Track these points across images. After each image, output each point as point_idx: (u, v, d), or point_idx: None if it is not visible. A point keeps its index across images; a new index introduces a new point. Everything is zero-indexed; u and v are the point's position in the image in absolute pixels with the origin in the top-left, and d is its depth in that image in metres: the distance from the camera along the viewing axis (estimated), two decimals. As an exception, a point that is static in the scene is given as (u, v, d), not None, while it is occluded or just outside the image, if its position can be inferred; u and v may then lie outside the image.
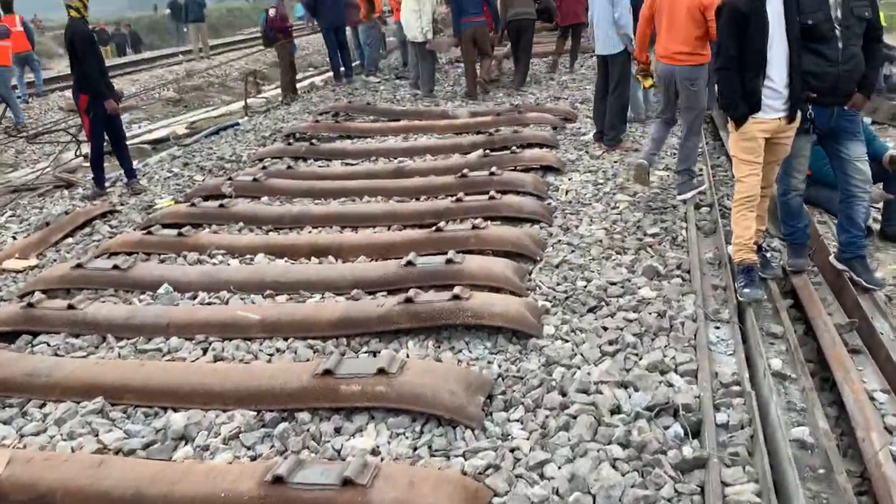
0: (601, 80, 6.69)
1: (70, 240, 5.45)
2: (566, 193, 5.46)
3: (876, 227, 4.75)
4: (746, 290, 3.57)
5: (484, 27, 9.29)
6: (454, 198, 5.06)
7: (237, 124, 9.25)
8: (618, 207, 5.11)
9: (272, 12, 11.98)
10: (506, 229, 4.55)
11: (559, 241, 4.55)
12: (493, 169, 5.57)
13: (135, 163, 7.55)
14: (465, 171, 5.63)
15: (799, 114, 3.66)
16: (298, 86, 13.92)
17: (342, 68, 11.41)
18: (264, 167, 6.42)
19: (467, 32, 9.16)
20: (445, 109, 8.42)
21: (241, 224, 5.23)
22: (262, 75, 17.33)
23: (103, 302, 4.11)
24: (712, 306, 3.62)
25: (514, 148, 6.20)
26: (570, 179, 5.79)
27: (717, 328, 3.44)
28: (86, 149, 6.68)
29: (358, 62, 12.85)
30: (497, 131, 7.20)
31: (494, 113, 7.74)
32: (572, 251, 4.37)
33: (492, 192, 5.05)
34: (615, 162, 6.21)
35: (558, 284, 3.93)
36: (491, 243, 4.32)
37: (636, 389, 2.89)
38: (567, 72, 10.85)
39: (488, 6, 9.32)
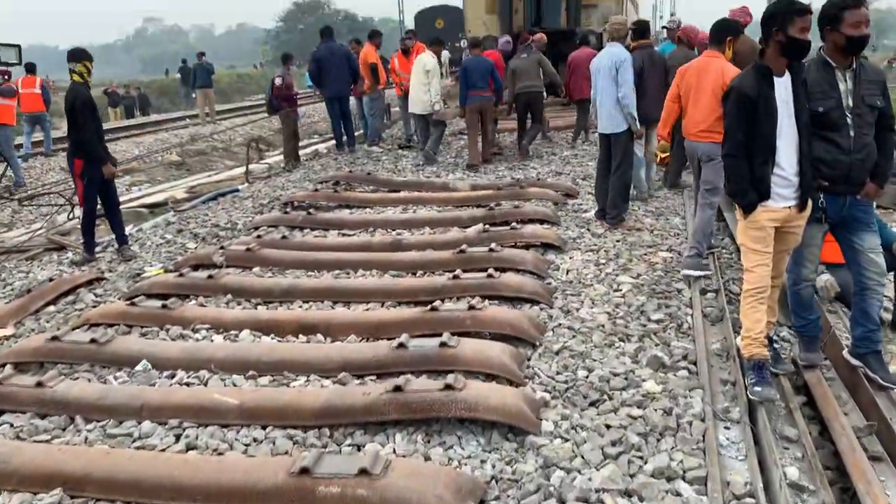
0: (604, 157, 6.62)
1: (52, 308, 5.26)
2: (567, 273, 5.30)
3: (887, 317, 4.57)
4: (758, 389, 3.35)
5: (490, 102, 9.56)
6: (451, 275, 4.89)
7: (236, 191, 9.19)
8: (620, 290, 4.93)
9: (278, 81, 12.12)
10: (504, 311, 4.35)
11: (559, 324, 4.35)
12: (493, 245, 5.43)
13: (129, 228, 7.45)
14: (463, 246, 5.48)
15: (810, 202, 3.53)
16: (302, 153, 14.00)
17: (345, 138, 11.46)
18: (259, 236, 6.29)
19: (474, 105, 9.45)
20: (446, 181, 8.36)
21: (229, 296, 5.04)
22: (267, 141, 17.52)
23: (76, 379, 3.89)
24: (722, 404, 3.40)
25: (514, 224, 6.06)
26: (571, 258, 5.64)
27: (728, 429, 3.21)
28: (79, 212, 6.53)
29: (361, 132, 12.95)
30: (498, 205, 7.10)
31: (495, 187, 7.66)
32: (573, 336, 4.17)
33: (490, 270, 4.88)
34: (617, 241, 6.07)
35: (558, 373, 3.72)
36: (488, 326, 4.12)
37: (641, 500, 2.65)
38: (569, 147, 10.89)
39: (493, 81, 9.55)
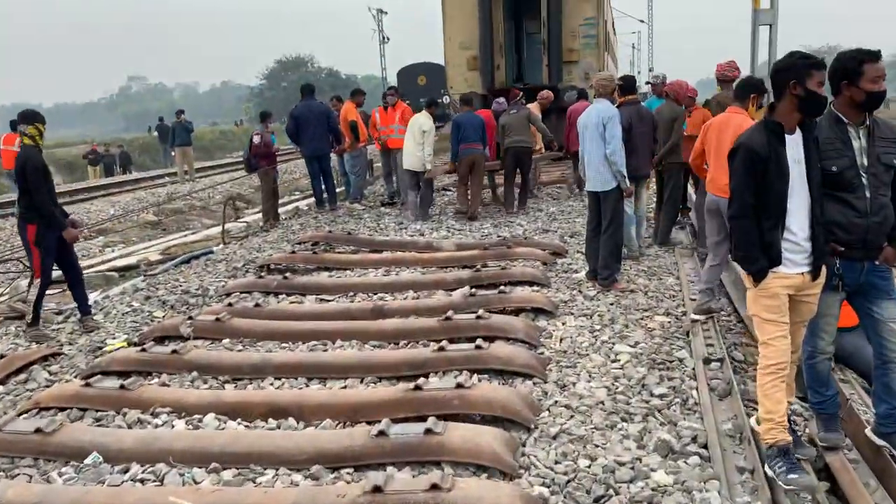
0: (593, 216, 6.37)
1: (0, 388, 4.81)
2: (560, 342, 4.95)
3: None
4: (794, 477, 2.97)
5: (482, 155, 9.74)
6: (437, 346, 4.52)
7: (211, 252, 8.82)
8: (619, 360, 4.59)
9: (256, 139, 11.88)
10: (494, 389, 3.98)
11: (555, 401, 3.98)
12: (480, 312, 5.08)
13: (95, 295, 7.05)
14: (449, 313, 5.13)
15: (824, 270, 3.24)
16: (283, 210, 13.70)
17: (325, 195, 11.18)
18: (230, 304, 5.90)
19: (466, 158, 9.61)
20: (430, 241, 8.06)
21: (194, 373, 4.63)
22: (246, 199, 17.24)
23: (14, 477, 3.45)
24: (741, 497, 3.02)
25: (502, 287, 5.72)
26: (563, 324, 5.30)
27: (752, 528, 2.84)
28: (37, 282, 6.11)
29: (343, 188, 12.69)
30: (484, 266, 6.81)
31: (481, 246, 7.36)
32: (571, 416, 3.80)
33: (479, 341, 4.53)
34: (611, 304, 5.76)
35: (557, 463, 3.33)
36: (478, 407, 3.75)
37: None
38: (561, 200, 10.73)
39: (484, 137, 9.79)
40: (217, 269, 7.66)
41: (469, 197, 9.79)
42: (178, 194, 16.33)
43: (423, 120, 9.98)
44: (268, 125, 12.02)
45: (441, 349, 4.49)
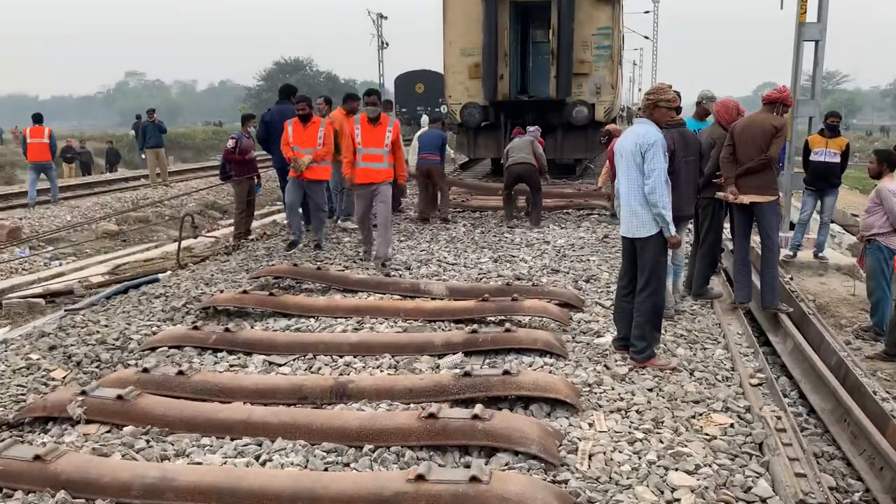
0: (627, 268, 4.92)
1: None
2: (590, 459, 3.47)
3: None
4: None
5: (438, 166, 10.54)
6: (415, 474, 3.03)
7: (156, 280, 7.30)
8: (678, 499, 3.12)
9: (230, 143, 10.39)
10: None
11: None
12: (478, 410, 3.60)
13: (2, 331, 5.55)
14: (434, 408, 3.64)
15: None
16: (259, 223, 12.28)
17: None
18: (146, 369, 4.39)
19: (422, 168, 10.46)
20: (416, 282, 6.58)
21: (62, 496, 3.13)
22: (221, 208, 15.76)
23: None
24: None
25: (507, 368, 4.20)
26: (590, 426, 3.82)
27: None
28: None
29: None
30: (482, 321, 5.39)
31: (480, 293, 5.86)
32: None
33: (474, 467, 3.05)
34: (650, 391, 4.30)
35: None
36: None
37: None
38: (562, 231, 9.35)
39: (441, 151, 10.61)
40: (152, 308, 6.15)
41: (438, 202, 10.73)
42: (148, 200, 14.79)
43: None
44: (248, 130, 10.54)
45: (419, 478, 3.00)
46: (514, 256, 7.98)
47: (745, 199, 5.88)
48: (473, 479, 2.98)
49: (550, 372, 4.50)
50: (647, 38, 52.36)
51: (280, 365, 4.80)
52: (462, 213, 11.26)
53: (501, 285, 6.28)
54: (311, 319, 5.71)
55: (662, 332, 5.18)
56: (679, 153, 5.49)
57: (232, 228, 11.13)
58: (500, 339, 4.88)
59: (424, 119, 13.27)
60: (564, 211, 11.19)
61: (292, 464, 3.47)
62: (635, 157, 4.67)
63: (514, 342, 4.85)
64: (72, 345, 5.23)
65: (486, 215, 10.97)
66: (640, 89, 43.33)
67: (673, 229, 4.68)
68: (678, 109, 5.41)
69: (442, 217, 10.46)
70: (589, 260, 7.74)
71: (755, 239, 6.32)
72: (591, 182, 13.53)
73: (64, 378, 4.70)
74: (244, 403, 4.10)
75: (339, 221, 10.15)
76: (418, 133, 11.38)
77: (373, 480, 3.13)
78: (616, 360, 4.78)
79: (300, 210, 8.62)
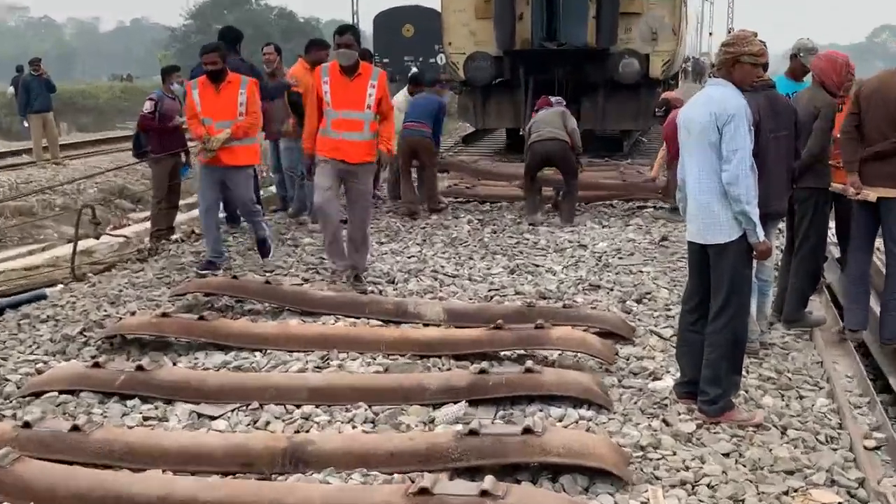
0: (695, 287, 4.96)
1: None
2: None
3: None
4: None
5: (427, 140, 10.61)
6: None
7: (43, 297, 7.39)
8: None
9: (148, 106, 10.31)
10: None
11: None
12: (488, 484, 3.58)
13: None
14: (426, 481, 3.63)
15: None
16: (185, 216, 12.37)
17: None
18: (27, 423, 4.40)
19: (406, 141, 10.41)
20: (402, 301, 6.62)
21: None
22: (135, 196, 15.90)
23: None
24: None
25: (528, 420, 4.22)
26: (646, 508, 3.84)
27: None
28: None
29: (278, 194, 11.19)
30: (494, 356, 5.49)
31: (489, 320, 5.88)
32: None
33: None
34: (726, 457, 4.33)
35: None
36: None
37: None
38: (604, 229, 9.45)
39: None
40: (37, 336, 6.23)
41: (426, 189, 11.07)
42: (31, 185, 14.95)
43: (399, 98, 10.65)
44: (170, 87, 10.58)
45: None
46: (537, 266, 8.09)
47: (872, 193, 5.90)
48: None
49: (588, 430, 4.55)
50: (720, -37, 52.81)
51: (214, 418, 4.86)
52: (466, 205, 11.35)
53: (520, 307, 6.35)
54: (258, 354, 5.78)
55: (744, 373, 5.24)
56: (766, 125, 5.50)
57: (148, 225, 11.24)
58: (519, 382, 4.91)
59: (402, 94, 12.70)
60: (607, 203, 11.31)
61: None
62: (708, 133, 4.67)
63: (539, 387, 4.89)
64: (-77, 388, 5.25)
65: (499, 208, 11.13)
66: (710, 34, 43.50)
67: (761, 233, 4.70)
68: (765, 66, 5.43)
69: (431, 208, 10.82)
70: (641, 272, 7.84)
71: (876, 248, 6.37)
72: (643, 163, 13.63)
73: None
74: (163, 472, 4.14)
75: (305, 215, 10.15)
76: (408, 96, 11.45)
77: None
78: (679, 414, 4.83)
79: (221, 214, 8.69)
